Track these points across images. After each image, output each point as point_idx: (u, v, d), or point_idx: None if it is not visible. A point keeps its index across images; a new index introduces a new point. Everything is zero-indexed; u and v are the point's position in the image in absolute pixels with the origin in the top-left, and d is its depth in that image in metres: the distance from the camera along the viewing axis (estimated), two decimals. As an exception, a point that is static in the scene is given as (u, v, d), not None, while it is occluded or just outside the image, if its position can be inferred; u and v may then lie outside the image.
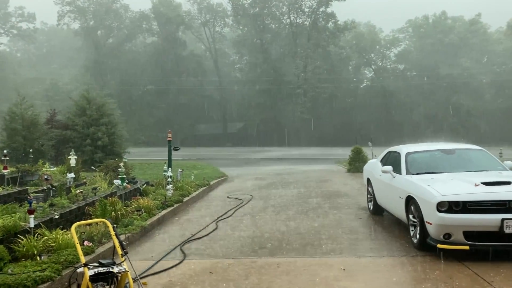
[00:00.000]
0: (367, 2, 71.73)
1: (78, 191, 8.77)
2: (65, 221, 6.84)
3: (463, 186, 6.04)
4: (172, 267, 5.74)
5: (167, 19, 55.73)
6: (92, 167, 13.97)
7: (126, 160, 14.48)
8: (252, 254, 6.29)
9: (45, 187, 9.03)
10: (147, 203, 8.71)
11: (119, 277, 4.07)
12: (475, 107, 50.83)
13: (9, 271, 4.85)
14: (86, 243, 6.02)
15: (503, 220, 5.44)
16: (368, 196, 9.36)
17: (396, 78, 56.71)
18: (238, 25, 59.39)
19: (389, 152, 8.75)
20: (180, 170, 13.53)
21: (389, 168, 7.60)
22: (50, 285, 4.75)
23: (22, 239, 5.57)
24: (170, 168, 11.56)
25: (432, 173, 7.06)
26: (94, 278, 3.92)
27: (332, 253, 6.25)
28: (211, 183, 14.07)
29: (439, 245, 5.71)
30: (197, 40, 61.96)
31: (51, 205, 7.44)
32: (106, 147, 18.57)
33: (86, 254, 5.55)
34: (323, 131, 51.36)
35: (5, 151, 9.05)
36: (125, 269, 4.08)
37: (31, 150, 14.28)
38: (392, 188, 7.40)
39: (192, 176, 13.59)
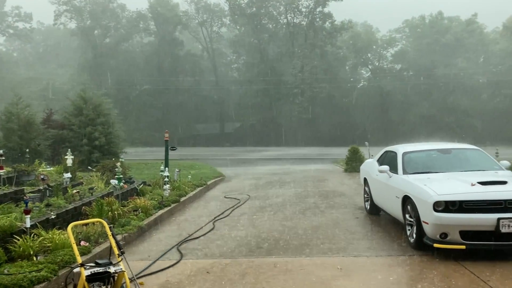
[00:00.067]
0: (364, 2, 71.82)
1: (75, 191, 8.74)
2: (62, 221, 6.83)
3: (460, 185, 6.06)
4: (169, 267, 5.73)
5: (164, 19, 55.64)
6: (89, 167, 13.93)
7: (123, 160, 14.46)
8: (249, 254, 6.29)
9: (41, 187, 9.00)
10: (144, 203, 8.69)
11: (115, 277, 4.06)
12: (472, 107, 50.98)
13: (5, 271, 4.83)
14: (82, 243, 6.01)
15: (499, 219, 5.46)
16: (365, 195, 9.38)
17: (393, 78, 56.80)
18: (235, 25, 59.37)
19: (386, 151, 8.76)
20: (177, 170, 13.51)
21: (385, 167, 7.62)
22: (47, 285, 4.73)
23: (18, 239, 5.55)
24: (167, 168, 11.55)
25: (429, 172, 7.08)
26: (90, 278, 3.91)
27: (329, 253, 6.26)
28: (208, 183, 14.06)
29: (435, 245, 5.73)
30: (194, 40, 61.88)
31: (48, 205, 7.41)
32: (103, 147, 18.53)
33: (82, 254, 5.53)
34: (320, 131, 51.37)
35: (1, 151, 9.00)
36: (121, 269, 4.08)
37: (27, 150, 14.24)
38: (389, 188, 7.42)
39: (189, 176, 13.58)
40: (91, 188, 9.11)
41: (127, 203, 8.88)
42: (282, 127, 52.65)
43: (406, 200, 6.55)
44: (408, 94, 54.32)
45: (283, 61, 54.47)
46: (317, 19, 54.25)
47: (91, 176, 11.26)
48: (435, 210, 5.69)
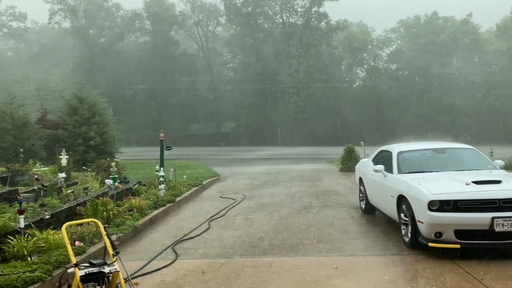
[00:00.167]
0: (359, 2, 72.05)
1: (69, 191, 8.69)
2: (56, 221, 6.79)
3: (454, 185, 6.08)
4: (164, 267, 5.72)
5: (160, 18, 55.54)
6: (84, 167, 13.88)
7: (118, 159, 14.40)
8: (244, 254, 6.29)
9: (35, 187, 8.95)
10: (139, 203, 8.66)
11: (110, 277, 4.05)
12: (467, 106, 51.25)
13: (-1, 272, 4.80)
14: (77, 243, 5.98)
15: (493, 218, 5.48)
16: (360, 195, 9.39)
17: (388, 78, 57.00)
18: (231, 24, 59.36)
19: (381, 151, 8.78)
20: (172, 169, 13.48)
21: (380, 167, 7.63)
22: (41, 285, 4.71)
23: (12, 240, 5.51)
24: (162, 168, 11.51)
25: (424, 172, 7.10)
26: (85, 279, 3.89)
27: (325, 252, 6.27)
28: (204, 182, 14.03)
29: (430, 244, 5.75)
30: (190, 40, 61.77)
31: (42, 205, 7.37)
32: (98, 147, 18.46)
33: (77, 254, 5.51)
34: (316, 130, 51.48)
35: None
36: (116, 269, 4.06)
37: (21, 150, 14.15)
38: (384, 187, 7.43)
39: (185, 176, 13.55)
40: (86, 188, 9.07)
41: (122, 203, 8.84)
42: (277, 127, 52.68)
43: (401, 200, 6.56)
44: (403, 94, 54.52)
45: (279, 60, 54.52)
46: (313, 19, 54.36)
47: (86, 176, 11.21)
48: (430, 210, 5.70)
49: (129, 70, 55.22)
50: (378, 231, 7.46)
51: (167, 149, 12.87)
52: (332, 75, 55.30)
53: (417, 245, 6.04)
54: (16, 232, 5.73)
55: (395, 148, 8.05)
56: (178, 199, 10.58)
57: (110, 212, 7.67)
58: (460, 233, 5.63)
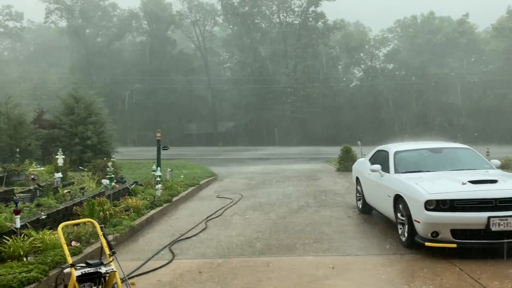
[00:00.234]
0: (356, 2, 72.08)
1: (66, 191, 8.67)
2: (52, 221, 6.77)
3: (451, 184, 6.09)
4: (160, 267, 5.71)
5: (157, 18, 55.38)
6: (80, 167, 13.84)
7: (114, 159, 14.36)
8: (241, 254, 6.28)
9: (32, 187, 8.92)
10: (135, 203, 8.64)
11: (106, 278, 4.04)
12: (463, 106, 51.41)
13: (-5, 272, 4.78)
14: (73, 243, 5.96)
15: (489, 218, 5.50)
16: (357, 194, 9.41)
17: (385, 78, 57.07)
18: (228, 24, 59.27)
19: (378, 151, 8.80)
20: (169, 169, 13.46)
21: (377, 167, 7.65)
22: (37, 286, 4.69)
23: (8, 240, 5.49)
24: (159, 168, 11.50)
25: (420, 171, 7.12)
26: (81, 279, 3.87)
27: (321, 252, 6.27)
28: (201, 182, 14.02)
29: (427, 243, 5.77)
30: (187, 39, 61.63)
31: (38, 205, 7.35)
32: (95, 147, 18.38)
33: (73, 254, 5.50)
34: (313, 130, 51.48)
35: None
36: (112, 269, 4.05)
37: (17, 150, 14.09)
38: (381, 187, 7.45)
39: (182, 176, 13.53)
40: (82, 188, 9.05)
41: (119, 203, 8.82)
42: (275, 127, 52.67)
43: (398, 199, 6.58)
44: (400, 94, 54.61)
45: (276, 60, 54.50)
46: (310, 19, 54.35)
47: (82, 176, 11.19)
48: (427, 209, 5.72)
49: (125, 69, 55.07)
50: (375, 231, 7.47)
51: (164, 149, 12.85)
52: (329, 75, 55.34)
53: (414, 244, 6.06)
54: (12, 232, 5.71)
55: (391, 147, 8.07)
56: (175, 199, 10.57)
57: (107, 212, 7.66)
58: (457, 233, 5.65)
